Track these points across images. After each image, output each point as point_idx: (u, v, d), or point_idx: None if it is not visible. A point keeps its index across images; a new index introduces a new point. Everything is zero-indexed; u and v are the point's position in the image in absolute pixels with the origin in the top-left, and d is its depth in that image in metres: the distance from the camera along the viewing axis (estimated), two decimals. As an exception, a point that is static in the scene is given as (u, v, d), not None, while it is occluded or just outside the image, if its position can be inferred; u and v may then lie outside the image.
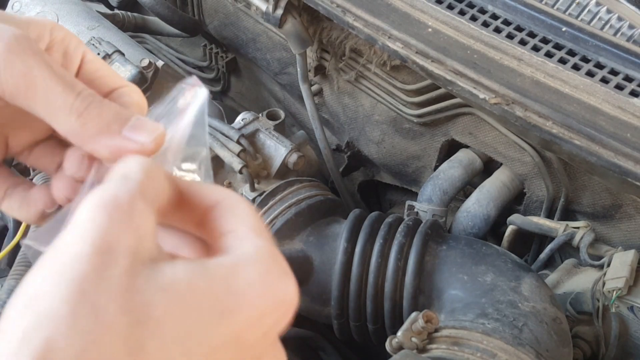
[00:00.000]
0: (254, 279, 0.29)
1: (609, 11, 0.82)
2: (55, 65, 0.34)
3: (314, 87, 1.23)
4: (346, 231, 0.89)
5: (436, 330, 0.75)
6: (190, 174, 0.37)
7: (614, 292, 0.84)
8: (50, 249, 0.26)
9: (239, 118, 1.06)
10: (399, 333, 0.72)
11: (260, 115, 1.06)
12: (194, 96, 0.37)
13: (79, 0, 1.27)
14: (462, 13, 0.88)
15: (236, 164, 0.96)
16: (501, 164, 1.06)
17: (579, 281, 0.92)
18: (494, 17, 0.87)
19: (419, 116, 1.09)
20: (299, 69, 1.13)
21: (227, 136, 1.00)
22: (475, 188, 1.08)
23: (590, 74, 0.79)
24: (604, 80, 0.78)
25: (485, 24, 0.86)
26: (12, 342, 0.23)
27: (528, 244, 1.09)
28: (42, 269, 0.26)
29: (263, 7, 1.04)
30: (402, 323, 0.75)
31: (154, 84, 1.08)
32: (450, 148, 1.13)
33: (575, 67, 0.80)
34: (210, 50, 1.52)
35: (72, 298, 0.24)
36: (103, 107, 0.34)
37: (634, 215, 0.94)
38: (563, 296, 0.91)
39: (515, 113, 0.78)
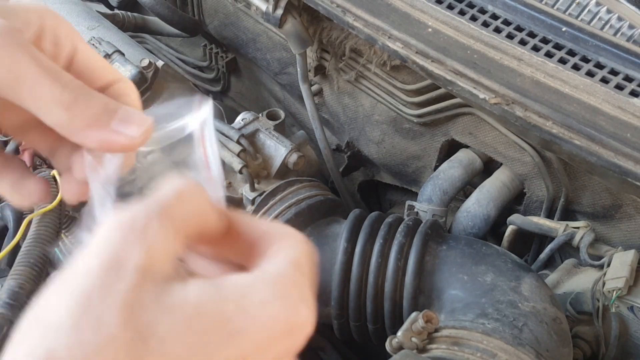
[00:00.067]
0: (267, 299, 0.28)
1: (609, 11, 0.82)
2: (42, 57, 0.33)
3: (314, 87, 1.23)
4: (346, 231, 0.89)
5: (436, 330, 0.75)
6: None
7: (614, 292, 0.84)
8: (68, 266, 0.27)
9: (239, 118, 1.05)
10: (399, 333, 0.72)
11: (260, 115, 1.06)
12: (203, 117, 0.37)
13: (79, 0, 1.27)
14: (462, 13, 0.88)
15: (236, 164, 0.96)
16: (501, 164, 1.06)
17: (579, 281, 0.92)
18: (494, 17, 0.87)
19: (419, 116, 1.09)
20: (299, 69, 1.13)
21: (227, 136, 1.00)
22: (475, 188, 1.08)
23: (590, 74, 0.79)
24: (604, 80, 0.78)
25: (485, 24, 0.86)
26: (18, 353, 0.24)
27: (528, 244, 1.09)
28: (56, 284, 0.26)
29: (263, 7, 1.04)
30: (402, 323, 0.75)
31: (154, 84, 1.08)
32: (450, 148, 1.13)
33: (575, 67, 0.80)
34: (210, 50, 1.52)
35: (77, 311, 0.25)
36: (91, 99, 0.34)
37: (634, 215, 0.94)
38: (563, 296, 0.91)
39: (515, 113, 0.78)
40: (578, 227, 0.95)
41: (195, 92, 1.20)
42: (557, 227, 0.96)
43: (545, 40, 0.84)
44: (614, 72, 0.79)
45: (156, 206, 0.29)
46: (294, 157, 1.00)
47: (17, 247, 0.85)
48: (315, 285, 0.31)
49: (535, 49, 0.83)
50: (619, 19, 0.82)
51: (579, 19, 0.83)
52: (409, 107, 1.10)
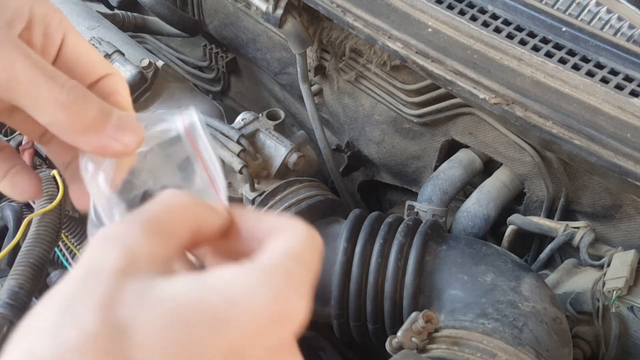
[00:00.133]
0: (254, 287, 0.27)
1: (609, 11, 0.82)
2: (37, 57, 0.33)
3: (314, 87, 1.23)
4: (346, 231, 0.89)
5: (436, 330, 0.75)
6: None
7: (614, 292, 0.84)
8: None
9: (239, 118, 1.05)
10: (399, 333, 0.72)
11: (260, 115, 1.06)
12: (189, 120, 0.37)
13: (79, 0, 1.27)
14: (462, 13, 0.88)
15: (236, 164, 0.96)
16: (501, 164, 1.06)
17: (579, 281, 0.92)
18: (494, 17, 0.87)
19: (419, 116, 1.09)
20: (299, 69, 1.13)
21: (227, 136, 1.00)
22: (475, 188, 1.08)
23: (590, 74, 0.79)
24: (604, 80, 0.78)
25: (485, 24, 0.86)
26: None
27: (528, 244, 1.09)
28: (46, 297, 0.27)
29: (263, 7, 1.04)
30: (402, 323, 0.75)
31: (154, 84, 1.08)
32: (450, 148, 1.13)
33: (575, 67, 0.80)
34: (210, 50, 1.52)
35: (58, 314, 0.25)
36: (87, 102, 0.34)
37: (634, 215, 0.94)
38: (563, 296, 0.91)
39: (515, 113, 0.78)
40: (578, 227, 0.95)
41: (195, 92, 1.20)
42: (557, 227, 0.96)
43: (545, 40, 0.84)
44: (614, 72, 0.79)
45: (139, 216, 0.29)
46: (294, 157, 1.00)
47: (17, 247, 0.85)
48: (317, 277, 0.31)
49: (535, 49, 0.83)
50: (619, 19, 0.82)
51: (579, 19, 0.83)
52: (409, 107, 1.10)
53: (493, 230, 1.10)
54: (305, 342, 1.00)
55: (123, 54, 1.06)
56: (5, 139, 1.00)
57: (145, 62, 1.07)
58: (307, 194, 0.96)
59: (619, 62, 0.80)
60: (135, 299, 0.26)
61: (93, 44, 1.06)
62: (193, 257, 0.34)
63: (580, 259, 0.95)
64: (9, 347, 0.25)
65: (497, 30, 0.86)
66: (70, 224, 0.98)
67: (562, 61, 0.81)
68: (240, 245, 0.33)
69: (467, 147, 1.09)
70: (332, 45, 1.12)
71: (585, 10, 0.83)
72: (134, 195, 0.38)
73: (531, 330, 0.77)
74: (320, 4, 0.94)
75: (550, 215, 1.03)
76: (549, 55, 0.82)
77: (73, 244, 0.98)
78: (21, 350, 0.24)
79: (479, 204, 1.05)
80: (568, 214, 1.02)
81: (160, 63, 1.10)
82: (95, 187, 0.35)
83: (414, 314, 0.74)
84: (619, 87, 0.78)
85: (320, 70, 1.20)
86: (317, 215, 0.95)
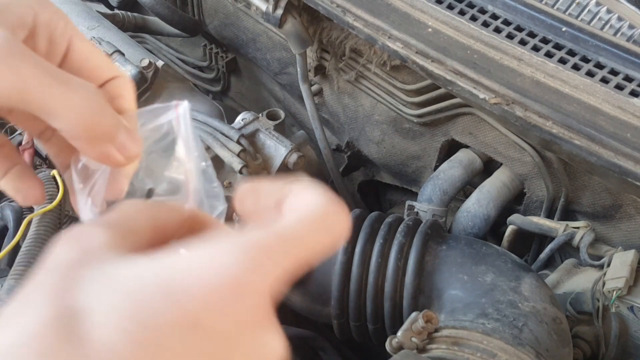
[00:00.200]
0: (207, 256, 0.26)
1: (609, 11, 0.82)
2: (47, 64, 0.32)
3: (314, 87, 1.23)
4: (346, 231, 0.89)
5: (436, 330, 0.75)
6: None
7: (614, 292, 0.84)
8: None
9: (239, 118, 1.05)
10: (399, 333, 0.72)
11: (260, 115, 1.06)
12: (180, 115, 0.37)
13: (79, 0, 1.27)
14: (462, 13, 0.88)
15: (236, 164, 0.96)
16: (501, 164, 1.06)
17: (579, 281, 0.92)
18: (494, 17, 0.87)
19: (419, 116, 1.09)
20: (299, 69, 1.13)
21: (227, 136, 1.00)
22: (475, 188, 1.08)
23: (590, 74, 0.79)
24: (604, 80, 0.78)
25: (485, 24, 0.86)
26: None
27: (528, 244, 1.09)
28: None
29: (263, 7, 1.04)
30: (402, 323, 0.75)
31: (154, 84, 1.08)
32: (450, 148, 1.13)
33: (575, 67, 0.80)
34: (210, 50, 1.52)
35: (13, 307, 0.26)
36: (103, 111, 0.34)
37: (634, 215, 0.94)
38: (563, 296, 0.91)
39: (515, 113, 0.78)
40: (578, 227, 0.95)
41: (195, 92, 1.20)
42: (557, 227, 0.96)
43: (545, 40, 0.84)
44: (614, 72, 0.79)
45: (98, 219, 0.31)
46: (294, 157, 1.00)
47: (17, 247, 0.85)
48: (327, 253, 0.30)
49: (535, 49, 0.83)
50: (619, 19, 0.82)
51: (579, 19, 0.83)
52: (409, 107, 1.10)
53: (493, 230, 1.10)
54: (305, 342, 1.00)
55: (123, 54, 1.06)
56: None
57: (145, 62, 1.07)
58: (307, 194, 0.96)
59: (619, 62, 0.80)
60: (89, 284, 0.26)
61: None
62: None
63: (580, 259, 0.95)
64: None
65: (497, 30, 0.85)
66: (70, 224, 0.98)
67: (562, 61, 0.81)
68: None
69: (467, 147, 1.09)
70: (332, 45, 1.12)
71: (585, 10, 0.83)
72: (135, 196, 0.38)
73: (531, 330, 0.77)
74: (320, 4, 0.94)
75: (550, 215, 1.03)
76: (549, 55, 0.82)
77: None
78: None
79: (479, 204, 1.05)
80: (568, 214, 1.02)
81: (160, 63, 1.10)
82: (83, 202, 0.36)
83: (414, 314, 0.74)
84: (619, 87, 0.78)
85: (320, 70, 1.20)
86: (317, 215, 0.95)
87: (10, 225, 0.97)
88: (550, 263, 1.03)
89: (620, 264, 0.86)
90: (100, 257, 0.27)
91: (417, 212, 1.06)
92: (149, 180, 0.39)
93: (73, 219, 0.96)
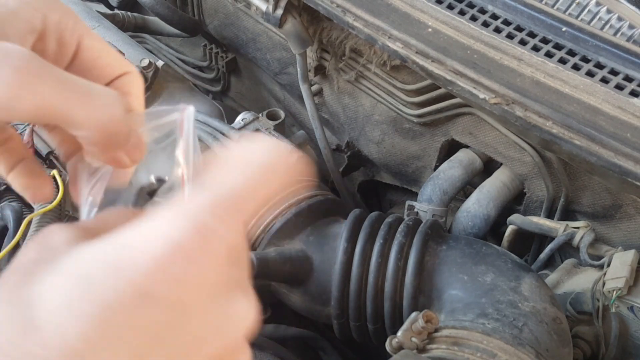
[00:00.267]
0: (151, 228, 0.26)
1: (609, 11, 0.82)
2: (67, 78, 0.32)
3: (314, 87, 1.23)
4: (346, 231, 0.89)
5: (436, 330, 0.75)
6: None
7: (614, 292, 0.84)
8: None
9: (239, 118, 1.05)
10: (399, 333, 0.72)
11: (260, 115, 1.06)
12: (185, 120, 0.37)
13: (79, 0, 1.27)
14: (462, 13, 0.88)
15: (236, 164, 0.96)
16: (501, 164, 1.06)
17: (579, 281, 0.92)
18: (494, 17, 0.87)
19: (419, 116, 1.09)
20: (299, 69, 1.13)
21: (227, 136, 1.00)
22: (475, 188, 1.08)
23: (590, 74, 0.79)
24: (604, 80, 0.78)
25: (485, 24, 0.86)
26: None
27: (528, 244, 1.09)
28: None
29: (263, 7, 1.04)
30: (402, 323, 0.75)
31: (154, 84, 1.08)
32: (450, 148, 1.13)
33: (575, 67, 0.80)
34: (210, 50, 1.52)
35: None
36: (121, 123, 0.34)
37: (634, 215, 0.94)
38: (563, 296, 0.91)
39: (515, 113, 0.78)
40: (578, 227, 0.95)
41: (195, 92, 1.20)
42: (557, 227, 0.96)
43: (545, 40, 0.84)
44: (614, 72, 0.79)
45: (76, 223, 0.31)
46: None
47: (17, 247, 0.85)
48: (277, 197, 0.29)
49: (535, 49, 0.83)
50: (619, 19, 0.82)
51: (579, 19, 0.83)
52: (409, 107, 1.10)
53: (493, 230, 1.10)
54: (305, 342, 1.00)
55: (123, 54, 1.06)
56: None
57: (145, 62, 1.07)
58: (307, 194, 0.96)
59: (619, 62, 0.80)
60: (44, 276, 0.26)
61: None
62: None
63: (580, 259, 0.95)
64: None
65: (497, 30, 0.85)
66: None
67: (562, 61, 0.81)
68: None
69: (467, 147, 1.09)
70: (332, 45, 1.12)
71: (585, 10, 0.83)
72: (132, 191, 0.38)
73: (531, 330, 0.77)
74: (320, 4, 0.94)
75: (550, 215, 1.03)
76: (549, 55, 0.82)
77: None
78: None
79: (479, 204, 1.05)
80: (568, 214, 1.02)
81: (160, 63, 1.10)
82: (84, 199, 0.36)
83: (414, 314, 0.74)
84: (619, 87, 0.78)
85: (320, 70, 1.20)
86: (317, 215, 0.95)
87: (10, 225, 0.97)
88: (550, 263, 1.03)
89: (620, 264, 0.86)
90: (58, 253, 0.28)
91: (417, 212, 1.06)
92: (144, 177, 0.39)
93: (73, 218, 0.96)
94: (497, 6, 0.88)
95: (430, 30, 0.86)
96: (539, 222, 0.99)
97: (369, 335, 0.91)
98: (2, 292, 0.26)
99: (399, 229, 0.89)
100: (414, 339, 0.72)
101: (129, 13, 1.43)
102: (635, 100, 0.76)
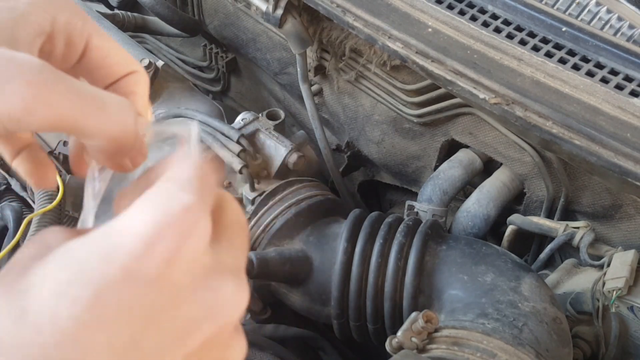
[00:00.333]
0: (131, 215, 0.27)
1: (609, 11, 0.82)
2: (80, 89, 0.32)
3: (314, 87, 1.23)
4: (346, 231, 0.89)
5: (436, 330, 0.75)
6: None
7: (614, 292, 0.84)
8: None
9: (239, 118, 1.05)
10: (399, 333, 0.72)
11: (260, 115, 1.06)
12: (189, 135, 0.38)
13: (79, 0, 1.27)
14: (462, 13, 0.88)
15: (236, 164, 0.96)
16: (501, 164, 1.06)
17: (579, 281, 0.92)
18: (494, 17, 0.87)
19: (419, 116, 1.09)
20: (299, 69, 1.13)
21: (227, 136, 1.00)
22: (475, 188, 1.08)
23: (590, 74, 0.79)
24: (604, 80, 0.78)
25: (485, 24, 0.86)
26: None
27: (528, 244, 1.09)
28: None
29: (263, 7, 1.04)
30: (402, 323, 0.75)
31: (154, 84, 1.08)
32: (450, 148, 1.12)
33: (575, 67, 0.80)
34: (210, 50, 1.52)
35: None
36: (133, 133, 0.34)
37: (634, 215, 0.94)
38: (563, 296, 0.91)
39: (515, 113, 0.78)
40: (578, 227, 0.95)
41: (195, 92, 1.20)
42: (557, 227, 0.96)
43: (545, 40, 0.84)
44: (614, 72, 0.79)
45: (60, 228, 0.32)
46: (294, 157, 1.00)
47: (17, 247, 0.85)
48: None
49: (535, 49, 0.83)
50: (619, 19, 0.82)
51: (579, 19, 0.83)
52: (409, 107, 1.10)
53: (493, 230, 1.10)
54: (305, 342, 1.00)
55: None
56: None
57: (145, 62, 1.07)
58: (307, 194, 0.97)
59: (619, 62, 0.80)
60: (38, 268, 0.27)
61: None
62: None
63: (580, 259, 0.95)
64: None
65: (497, 30, 0.85)
66: (70, 224, 0.98)
67: (562, 61, 0.81)
68: None
69: (467, 147, 1.09)
70: (332, 45, 1.12)
71: (585, 10, 0.83)
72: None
73: (531, 330, 0.77)
74: (320, 4, 0.94)
75: (550, 215, 1.03)
76: (549, 55, 0.82)
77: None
78: None
79: (479, 204, 1.05)
80: (568, 214, 1.02)
81: (160, 63, 1.10)
82: (90, 195, 0.36)
83: (414, 314, 0.74)
84: (619, 87, 0.78)
85: (320, 70, 1.20)
86: (317, 215, 0.95)
87: (10, 225, 0.97)
88: (550, 263, 1.03)
89: (620, 264, 0.86)
90: (54, 248, 0.28)
91: (417, 212, 1.06)
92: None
93: (73, 219, 0.96)
94: (497, 6, 0.88)
95: (430, 30, 0.86)
96: (539, 222, 0.99)
97: (369, 335, 0.91)
98: (1, 286, 0.27)
99: (399, 229, 0.89)
100: (414, 339, 0.72)
101: (129, 13, 1.43)
102: (635, 100, 0.76)
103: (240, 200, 0.99)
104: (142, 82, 0.39)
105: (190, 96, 1.15)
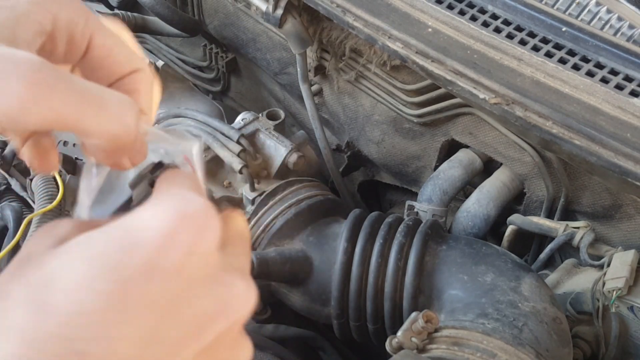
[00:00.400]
0: (151, 211, 0.28)
1: (609, 11, 0.82)
2: (81, 88, 0.32)
3: (314, 87, 1.23)
4: (346, 231, 0.89)
5: (436, 330, 0.75)
6: None
7: (614, 292, 0.84)
8: None
9: (239, 118, 1.05)
10: (399, 333, 0.72)
11: (260, 115, 1.06)
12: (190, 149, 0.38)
13: (79, 0, 1.27)
14: (462, 13, 0.88)
15: (236, 164, 0.96)
16: (501, 164, 1.06)
17: (579, 281, 0.92)
18: (494, 17, 0.87)
19: (419, 116, 1.09)
20: (299, 69, 1.13)
21: (227, 136, 1.00)
22: (475, 188, 1.08)
23: (590, 74, 0.79)
24: (604, 80, 0.78)
25: (485, 24, 0.86)
26: None
27: (528, 244, 1.09)
28: None
29: (263, 7, 1.04)
30: (402, 323, 0.75)
31: (154, 84, 1.08)
32: (450, 148, 1.12)
33: (575, 67, 0.80)
34: (210, 50, 1.52)
35: None
36: (133, 133, 0.34)
37: (634, 215, 0.94)
38: (563, 296, 0.91)
39: (515, 113, 0.78)
40: (578, 227, 0.95)
41: (195, 92, 1.20)
42: (557, 227, 0.96)
43: (545, 40, 0.84)
44: (614, 72, 0.79)
45: (68, 219, 0.33)
46: (294, 157, 1.00)
47: (17, 247, 0.85)
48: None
49: (535, 49, 0.83)
50: (619, 19, 0.82)
51: (579, 19, 0.83)
52: (409, 107, 1.10)
53: (493, 230, 1.10)
54: (305, 342, 1.00)
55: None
56: (4, 138, 1.00)
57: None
58: (307, 194, 0.97)
59: (619, 62, 0.80)
60: (55, 259, 0.28)
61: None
62: None
63: (580, 259, 0.95)
64: None
65: (497, 30, 0.85)
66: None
67: (562, 61, 0.81)
68: None
69: (467, 147, 1.09)
70: (332, 45, 1.12)
71: (585, 10, 0.83)
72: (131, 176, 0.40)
73: (531, 330, 0.77)
74: (320, 4, 0.94)
75: (550, 215, 1.03)
76: (549, 55, 0.82)
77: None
78: None
79: (479, 204, 1.05)
80: (568, 214, 1.02)
81: (160, 63, 1.10)
82: (85, 190, 0.37)
83: (414, 314, 0.74)
84: (619, 87, 0.78)
85: (320, 70, 1.20)
86: (317, 215, 0.95)
87: (10, 225, 0.97)
88: (550, 263, 1.03)
89: (620, 264, 0.86)
90: (66, 240, 0.29)
91: (417, 212, 1.06)
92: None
93: (73, 219, 0.96)
94: (497, 6, 0.88)
95: (430, 30, 0.86)
96: (539, 222, 0.99)
97: (369, 335, 0.91)
98: (14, 277, 0.28)
99: (399, 229, 0.89)
100: (414, 339, 0.72)
101: (129, 13, 1.42)
102: (635, 100, 0.76)
103: (240, 200, 0.99)
104: (146, 80, 0.38)
105: (190, 96, 1.16)
